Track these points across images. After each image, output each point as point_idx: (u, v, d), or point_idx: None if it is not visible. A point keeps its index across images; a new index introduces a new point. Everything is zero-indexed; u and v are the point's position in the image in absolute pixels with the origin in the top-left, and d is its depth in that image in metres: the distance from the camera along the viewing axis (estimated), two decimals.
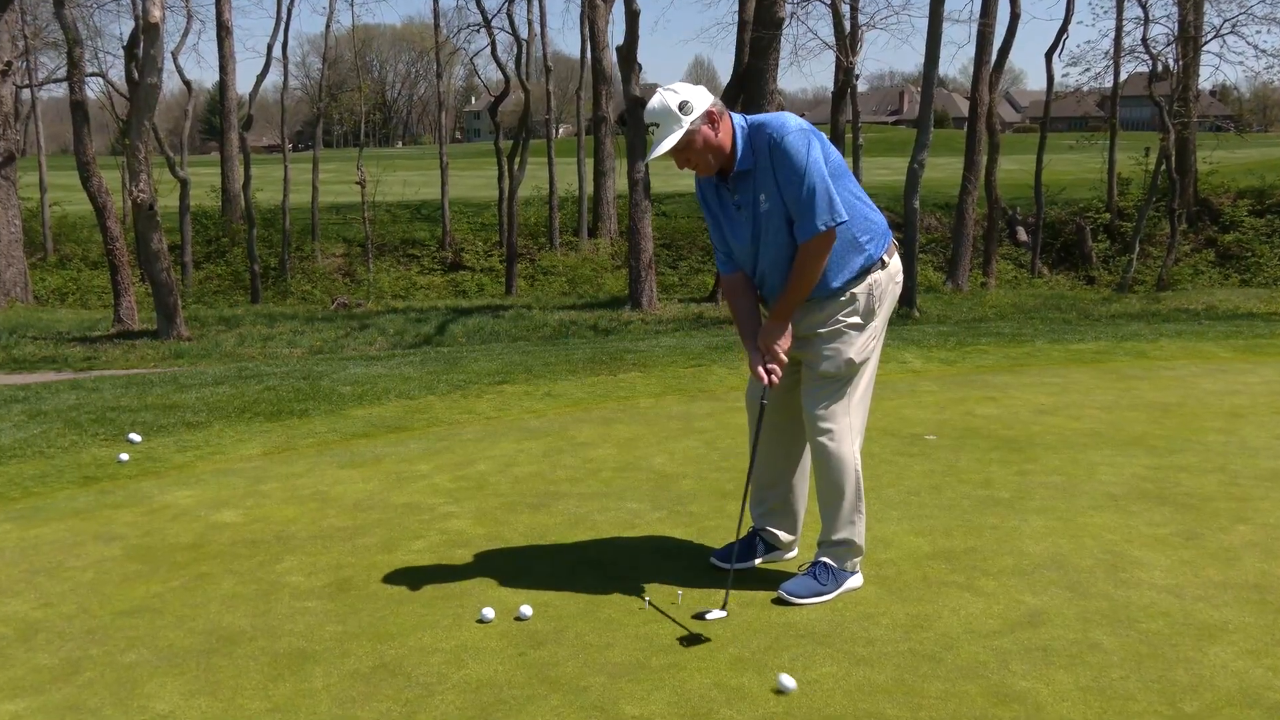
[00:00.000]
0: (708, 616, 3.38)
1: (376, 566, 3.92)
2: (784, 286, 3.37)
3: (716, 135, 3.29)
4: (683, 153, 3.28)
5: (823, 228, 3.24)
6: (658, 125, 3.24)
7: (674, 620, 3.35)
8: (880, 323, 3.49)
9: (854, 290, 3.41)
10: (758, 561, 3.79)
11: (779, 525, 3.79)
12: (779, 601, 3.46)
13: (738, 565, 3.71)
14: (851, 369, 3.44)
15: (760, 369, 3.43)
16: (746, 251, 3.45)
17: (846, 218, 3.28)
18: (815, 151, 3.25)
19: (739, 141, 3.31)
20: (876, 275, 3.44)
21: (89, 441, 6.04)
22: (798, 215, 3.26)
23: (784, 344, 3.41)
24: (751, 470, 3.63)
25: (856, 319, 3.42)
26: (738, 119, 3.35)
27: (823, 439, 3.46)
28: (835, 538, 3.53)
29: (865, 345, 3.45)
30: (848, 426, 3.47)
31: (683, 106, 3.23)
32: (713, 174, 3.38)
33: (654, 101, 3.25)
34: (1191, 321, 10.87)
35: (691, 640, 3.21)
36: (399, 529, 4.35)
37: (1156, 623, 3.24)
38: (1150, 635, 3.16)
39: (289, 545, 4.19)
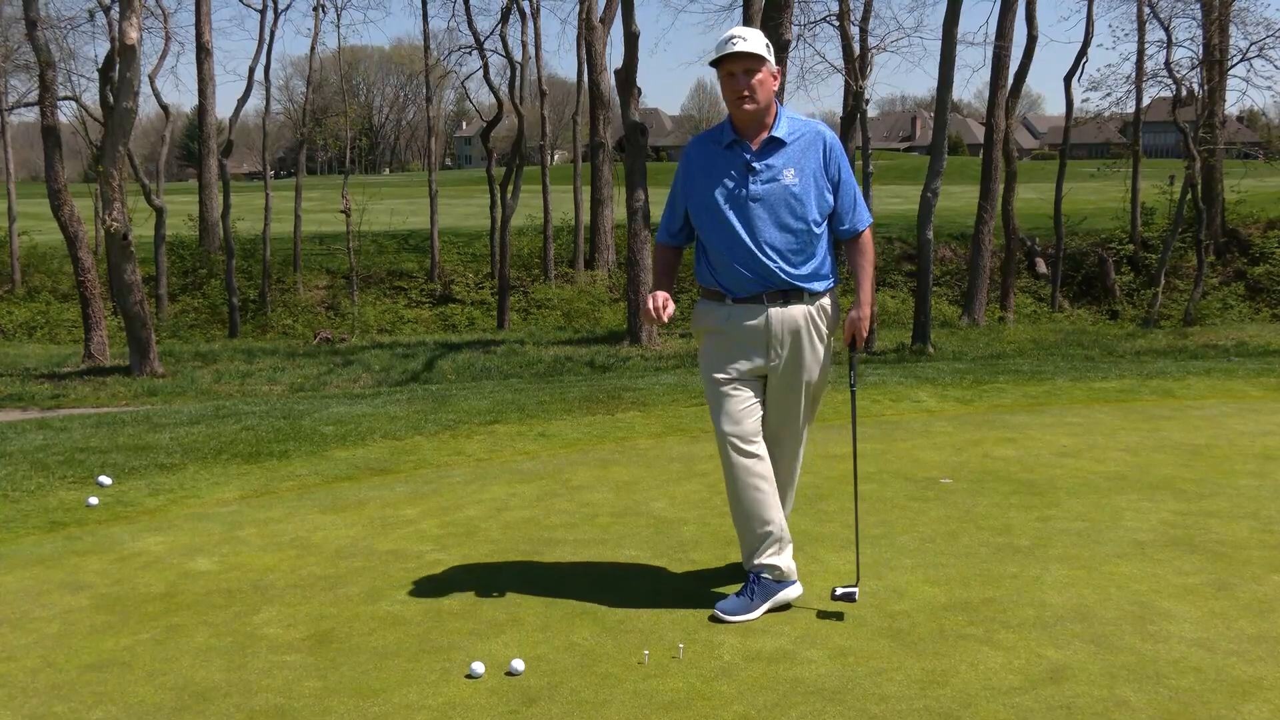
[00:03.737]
0: (837, 593, 3.80)
1: (359, 618, 3.91)
2: (858, 275, 3.86)
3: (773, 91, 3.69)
4: (754, 73, 3.61)
5: (868, 220, 3.85)
6: (744, 39, 3.60)
7: (675, 675, 3.35)
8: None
9: (827, 302, 3.82)
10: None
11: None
12: (714, 619, 3.72)
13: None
14: (824, 381, 3.86)
15: (649, 304, 3.68)
16: (723, 211, 3.69)
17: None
18: None
19: (780, 115, 3.73)
20: (834, 293, 3.88)
21: (56, 484, 6.04)
22: (850, 206, 3.80)
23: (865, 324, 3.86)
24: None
25: (826, 329, 3.82)
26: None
27: (799, 454, 3.96)
28: (762, 558, 3.79)
29: (829, 358, 3.88)
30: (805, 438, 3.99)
31: (768, 47, 3.65)
32: (754, 120, 3.67)
33: (748, 29, 3.69)
34: (1221, 358, 10.91)
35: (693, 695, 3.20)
36: (383, 578, 4.34)
37: (1187, 679, 3.24)
38: (1180, 692, 3.16)
39: (267, 595, 4.19)
